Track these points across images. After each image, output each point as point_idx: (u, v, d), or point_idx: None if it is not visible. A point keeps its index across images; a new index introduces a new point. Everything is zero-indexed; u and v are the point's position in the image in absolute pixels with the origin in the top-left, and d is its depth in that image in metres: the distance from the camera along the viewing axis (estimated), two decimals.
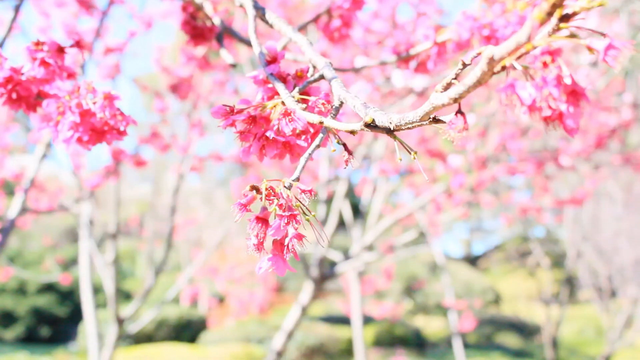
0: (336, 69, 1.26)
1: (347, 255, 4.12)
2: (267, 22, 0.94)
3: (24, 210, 2.44)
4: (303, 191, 0.66)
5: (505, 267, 17.92)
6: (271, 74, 0.81)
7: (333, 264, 5.29)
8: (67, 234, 14.72)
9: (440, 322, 12.90)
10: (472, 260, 19.42)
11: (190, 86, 3.43)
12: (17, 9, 1.15)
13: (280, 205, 0.64)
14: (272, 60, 0.83)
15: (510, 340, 12.44)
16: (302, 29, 1.13)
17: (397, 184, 6.32)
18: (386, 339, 10.80)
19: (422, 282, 12.93)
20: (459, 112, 0.56)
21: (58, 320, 11.97)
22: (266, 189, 0.65)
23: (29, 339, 11.60)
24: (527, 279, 15.29)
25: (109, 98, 0.84)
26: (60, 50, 0.85)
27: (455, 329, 7.34)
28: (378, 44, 2.28)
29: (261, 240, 0.65)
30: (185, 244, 12.41)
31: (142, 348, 8.99)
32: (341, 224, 6.78)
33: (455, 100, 0.53)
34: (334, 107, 0.73)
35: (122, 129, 0.86)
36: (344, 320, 10.93)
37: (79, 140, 0.84)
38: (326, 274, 3.65)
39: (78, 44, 0.85)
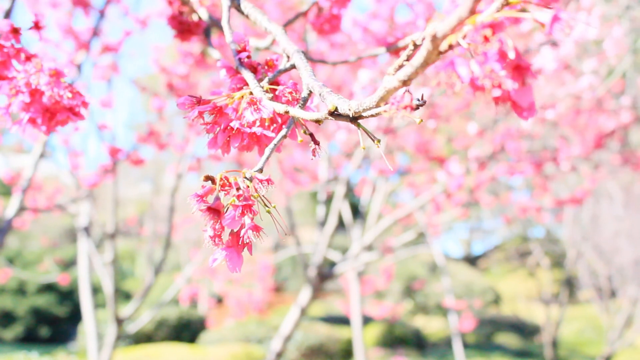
0: (329, 63, 1.24)
1: (346, 256, 4.11)
2: (242, 13, 0.92)
3: (21, 210, 2.43)
4: (261, 181, 0.64)
5: (505, 267, 17.90)
6: (240, 64, 0.78)
7: (332, 264, 5.28)
8: (66, 234, 14.72)
9: (440, 323, 12.88)
10: (472, 260, 19.41)
11: (187, 84, 3.42)
12: (7, 13, 1.14)
13: (238, 196, 0.62)
14: (242, 49, 0.81)
15: (510, 340, 12.43)
16: (293, 22, 1.12)
17: (397, 184, 6.32)
18: (386, 339, 10.78)
19: (422, 282, 12.90)
20: (407, 92, 0.54)
21: (57, 320, 11.95)
22: (220, 179, 0.64)
23: (29, 339, 11.59)
24: (527, 279, 15.28)
25: (56, 75, 0.81)
26: (15, 31, 0.82)
27: (455, 329, 7.33)
28: (377, 43, 2.26)
29: (218, 232, 0.62)
30: (184, 243, 12.41)
31: (142, 348, 8.98)
32: (341, 224, 6.77)
33: (405, 82, 0.52)
34: (302, 96, 0.70)
35: (77, 109, 0.82)
36: (344, 320, 10.92)
37: (32, 121, 0.82)
38: (325, 274, 3.64)
39: (37, 25, 0.82)
